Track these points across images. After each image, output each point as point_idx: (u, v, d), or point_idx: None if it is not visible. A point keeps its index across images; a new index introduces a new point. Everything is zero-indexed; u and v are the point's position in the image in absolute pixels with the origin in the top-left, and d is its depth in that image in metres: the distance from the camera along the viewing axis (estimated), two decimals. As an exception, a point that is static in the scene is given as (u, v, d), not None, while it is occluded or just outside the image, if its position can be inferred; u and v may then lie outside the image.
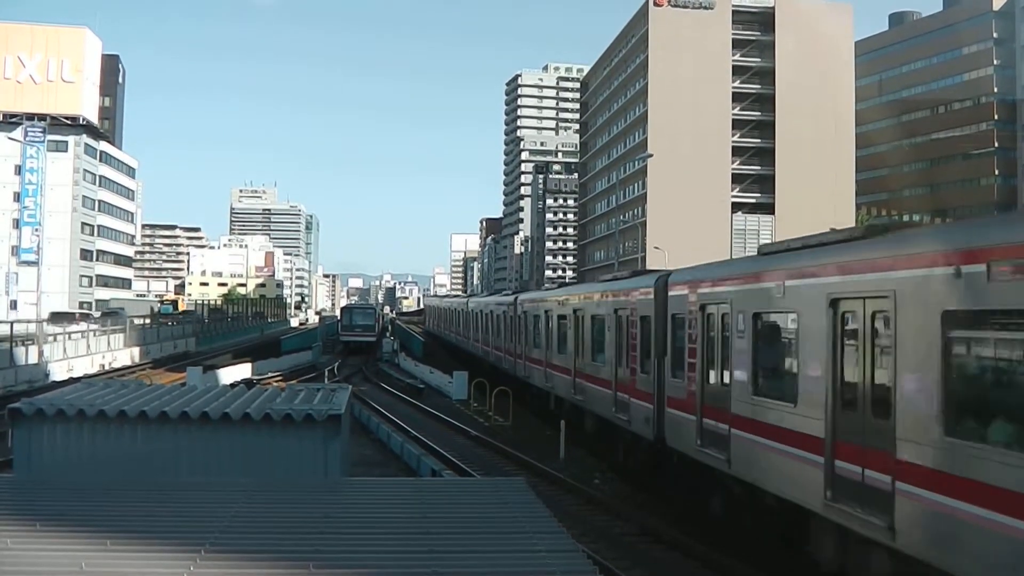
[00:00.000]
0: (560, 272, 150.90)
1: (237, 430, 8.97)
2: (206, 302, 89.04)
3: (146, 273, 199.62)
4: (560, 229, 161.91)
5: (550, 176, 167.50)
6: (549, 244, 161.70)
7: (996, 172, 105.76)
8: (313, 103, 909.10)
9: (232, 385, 18.80)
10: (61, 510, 6.70)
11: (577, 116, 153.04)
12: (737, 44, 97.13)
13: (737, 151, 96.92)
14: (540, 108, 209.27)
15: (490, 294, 52.35)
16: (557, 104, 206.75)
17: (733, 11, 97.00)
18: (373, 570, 5.54)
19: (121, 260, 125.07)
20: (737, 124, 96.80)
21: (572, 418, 21.05)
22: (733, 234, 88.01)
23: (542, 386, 24.88)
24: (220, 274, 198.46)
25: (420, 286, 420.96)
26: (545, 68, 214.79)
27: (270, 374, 40.26)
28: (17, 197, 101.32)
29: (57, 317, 56.51)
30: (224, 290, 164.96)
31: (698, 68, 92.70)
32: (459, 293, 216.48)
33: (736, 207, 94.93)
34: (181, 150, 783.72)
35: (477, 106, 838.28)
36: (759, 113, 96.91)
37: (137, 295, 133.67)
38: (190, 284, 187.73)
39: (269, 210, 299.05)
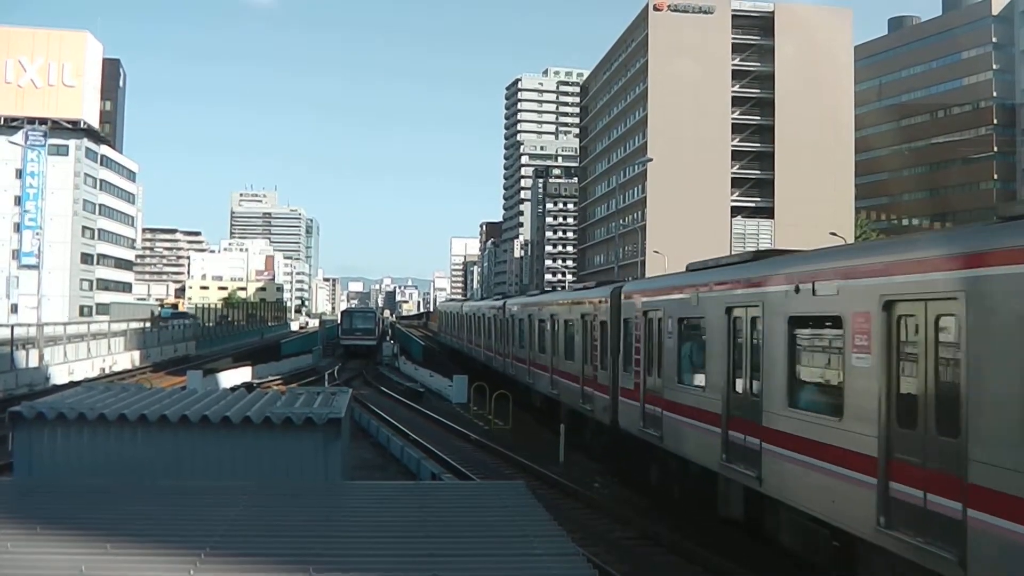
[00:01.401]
0: (560, 276, 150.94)
1: (237, 433, 8.97)
2: (213, 305, 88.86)
3: (147, 277, 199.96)
4: (560, 233, 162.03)
5: (550, 180, 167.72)
6: (549, 248, 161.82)
7: (995, 176, 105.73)
8: (313, 107, 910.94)
9: (232, 389, 18.84)
10: (61, 513, 6.70)
11: (577, 120, 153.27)
12: (737, 48, 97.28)
13: (737, 155, 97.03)
14: (540, 112, 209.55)
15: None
16: (557, 108, 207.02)
17: (733, 15, 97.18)
18: (373, 573, 5.54)
19: (122, 264, 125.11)
20: (737, 128, 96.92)
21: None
22: (733, 238, 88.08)
23: (701, 461, 13.03)
24: (220, 278, 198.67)
25: (420, 290, 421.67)
26: (545, 72, 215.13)
27: (270, 378, 40.30)
28: (18, 201, 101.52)
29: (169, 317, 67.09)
30: (224, 294, 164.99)
31: (698, 72, 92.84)
32: (459, 297, 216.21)
33: (736, 211, 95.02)
34: (181, 154, 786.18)
35: (477, 110, 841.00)
36: (759, 117, 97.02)
37: (137, 299, 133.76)
38: (190, 288, 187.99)
39: (269, 214, 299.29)
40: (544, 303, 26.81)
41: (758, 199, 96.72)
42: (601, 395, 18.76)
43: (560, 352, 23.26)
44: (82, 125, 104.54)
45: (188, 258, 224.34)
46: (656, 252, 79.13)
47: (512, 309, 31.74)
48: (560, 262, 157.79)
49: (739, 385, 11.93)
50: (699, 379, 13.51)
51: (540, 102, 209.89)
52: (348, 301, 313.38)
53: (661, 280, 16.74)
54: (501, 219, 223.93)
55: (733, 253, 14.27)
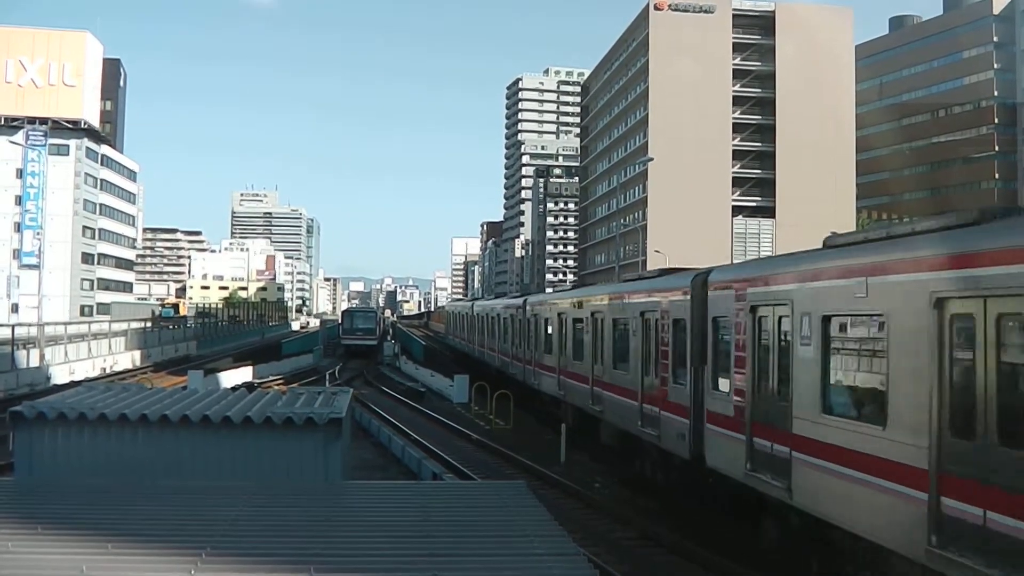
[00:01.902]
0: (561, 276, 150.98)
1: (238, 433, 8.95)
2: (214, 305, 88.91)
3: (147, 276, 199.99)
4: (561, 233, 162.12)
5: (551, 180, 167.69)
6: (550, 248, 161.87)
7: (996, 176, 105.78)
8: (314, 107, 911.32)
9: (233, 388, 18.82)
10: (62, 513, 6.71)
11: (578, 120, 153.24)
12: (738, 48, 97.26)
13: (738, 155, 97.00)
14: (541, 112, 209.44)
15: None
16: (558, 108, 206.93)
17: (733, 15, 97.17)
18: (374, 573, 5.55)
19: (122, 263, 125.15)
20: (738, 128, 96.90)
21: None
22: (734, 238, 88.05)
23: (881, 539, 8.60)
24: (221, 277, 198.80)
25: (421, 290, 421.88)
26: (546, 72, 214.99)
27: (271, 377, 40.29)
28: (18, 201, 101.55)
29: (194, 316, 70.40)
30: (225, 294, 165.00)
31: (699, 72, 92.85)
32: (462, 296, 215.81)
33: (736, 211, 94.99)
34: (182, 153, 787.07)
35: (478, 110, 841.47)
36: (760, 117, 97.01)
37: (138, 299, 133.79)
38: (191, 288, 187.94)
39: (270, 213, 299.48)
40: (581, 299, 22.06)
41: (759, 198, 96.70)
42: (672, 417, 14.45)
43: (604, 359, 18.98)
44: (82, 125, 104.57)
45: (189, 258, 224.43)
46: (657, 251, 79.19)
47: (536, 308, 27.40)
48: (561, 261, 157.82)
49: (968, 430, 7.40)
50: (872, 411, 8.87)
51: (541, 102, 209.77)
52: (349, 301, 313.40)
53: (782, 262, 11.89)
54: (502, 219, 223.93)
55: (934, 216, 9.32)
